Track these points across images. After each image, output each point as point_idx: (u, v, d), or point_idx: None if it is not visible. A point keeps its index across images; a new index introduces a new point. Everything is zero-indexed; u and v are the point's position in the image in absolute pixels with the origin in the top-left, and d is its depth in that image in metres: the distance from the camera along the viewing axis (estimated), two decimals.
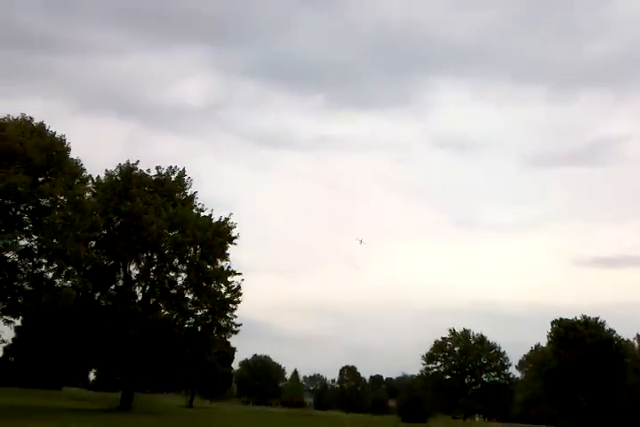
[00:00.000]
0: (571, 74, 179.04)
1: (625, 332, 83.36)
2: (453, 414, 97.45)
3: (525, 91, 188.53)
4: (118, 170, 45.91)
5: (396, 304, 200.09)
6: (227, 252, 47.62)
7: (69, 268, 40.23)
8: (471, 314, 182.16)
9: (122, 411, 42.04)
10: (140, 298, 45.39)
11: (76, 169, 40.39)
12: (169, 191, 46.05)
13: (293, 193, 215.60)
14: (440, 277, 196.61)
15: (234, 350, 74.70)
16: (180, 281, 46.50)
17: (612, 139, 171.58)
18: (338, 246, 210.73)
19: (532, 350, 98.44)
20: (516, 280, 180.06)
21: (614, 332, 76.49)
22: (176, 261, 45.92)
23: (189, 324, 47.74)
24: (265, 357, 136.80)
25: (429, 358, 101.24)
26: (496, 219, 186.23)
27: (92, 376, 70.76)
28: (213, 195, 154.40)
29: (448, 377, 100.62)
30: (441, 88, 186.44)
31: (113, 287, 45.21)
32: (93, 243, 43.23)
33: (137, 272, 45.38)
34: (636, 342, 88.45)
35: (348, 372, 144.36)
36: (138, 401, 48.15)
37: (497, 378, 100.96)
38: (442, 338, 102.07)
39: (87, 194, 42.42)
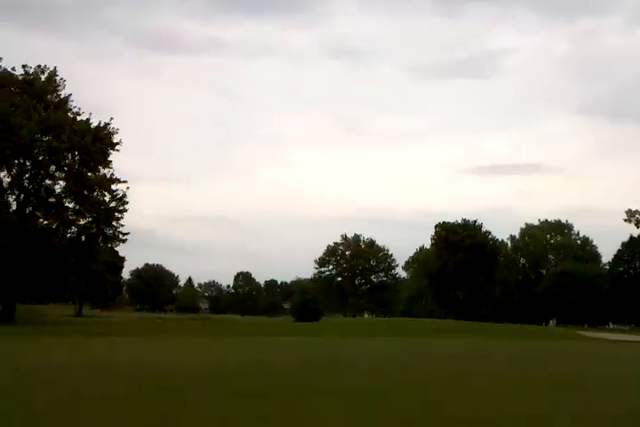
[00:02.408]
0: None
1: (500, 233, 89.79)
2: (344, 313, 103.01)
3: (414, 2, 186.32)
4: None
5: (289, 212, 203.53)
6: (109, 159, 45.41)
7: None
8: (362, 220, 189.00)
9: (3, 322, 40.72)
10: (14, 207, 42.95)
11: None
12: (39, 92, 42.47)
13: (183, 100, 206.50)
14: (332, 184, 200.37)
15: (123, 259, 73.63)
16: (58, 189, 44.28)
17: (496, 52, 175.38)
18: (231, 155, 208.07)
19: (417, 252, 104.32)
20: (404, 187, 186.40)
21: (490, 233, 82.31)
22: (52, 168, 43.36)
23: (72, 233, 46.11)
24: (157, 265, 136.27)
25: (322, 262, 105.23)
26: (385, 129, 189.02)
27: None
28: (95, 101, 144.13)
29: (339, 279, 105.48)
30: None
31: None
32: None
33: (8, 180, 42.62)
34: (509, 242, 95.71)
35: (243, 277, 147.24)
36: (21, 312, 46.81)
37: (385, 278, 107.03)
38: (334, 243, 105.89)
39: None
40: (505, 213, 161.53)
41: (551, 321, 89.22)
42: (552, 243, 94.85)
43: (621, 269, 78.36)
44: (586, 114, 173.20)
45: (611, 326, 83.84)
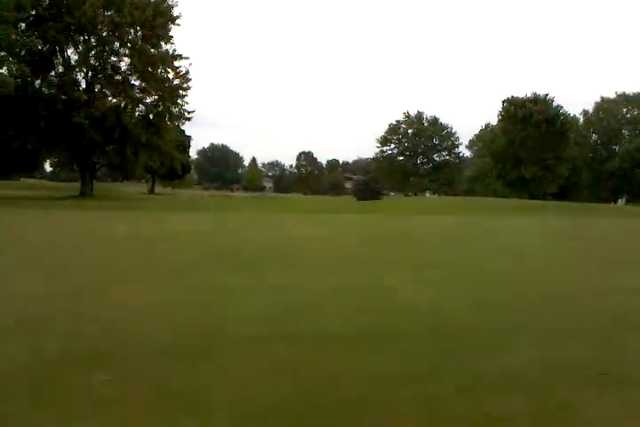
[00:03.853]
0: None
1: (573, 108, 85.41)
2: (405, 192, 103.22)
3: None
4: None
5: (350, 90, 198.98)
6: (170, 34, 44.89)
7: (2, 53, 37.65)
8: (425, 97, 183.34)
9: (83, 198, 42.88)
10: (83, 85, 43.49)
11: None
12: None
13: None
14: (395, 59, 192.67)
15: (189, 138, 74.60)
16: (123, 66, 44.44)
17: None
18: (289, 35, 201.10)
19: (481, 130, 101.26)
20: (470, 60, 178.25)
21: (561, 108, 78.40)
22: (116, 44, 43.21)
23: (140, 112, 46.71)
24: (222, 145, 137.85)
25: (384, 141, 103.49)
26: None
27: (48, 167, 70.50)
28: None
29: (401, 158, 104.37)
30: None
31: (53, 74, 42.89)
32: (23, 25, 39.86)
33: (76, 57, 42.80)
34: (581, 117, 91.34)
35: (306, 157, 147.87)
36: (98, 189, 49.06)
37: (447, 157, 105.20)
38: (396, 121, 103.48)
39: None
40: (579, 85, 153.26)
41: (620, 200, 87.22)
42: (628, 117, 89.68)
43: None
44: None
45: None
